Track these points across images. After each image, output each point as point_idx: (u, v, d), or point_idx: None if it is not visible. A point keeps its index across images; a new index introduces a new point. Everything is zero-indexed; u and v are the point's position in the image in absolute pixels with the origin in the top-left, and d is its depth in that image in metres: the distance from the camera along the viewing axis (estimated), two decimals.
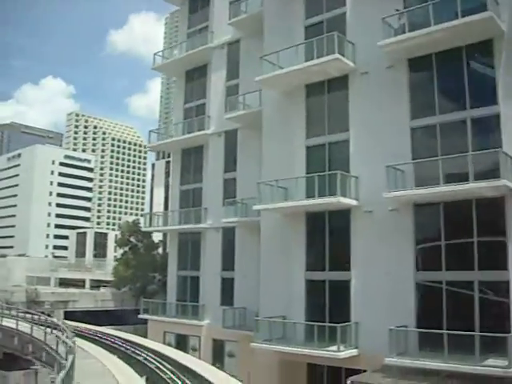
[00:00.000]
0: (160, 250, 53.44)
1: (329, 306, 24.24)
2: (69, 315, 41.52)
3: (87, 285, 60.82)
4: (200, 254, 36.02)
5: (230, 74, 36.08)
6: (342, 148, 24.87)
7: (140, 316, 38.33)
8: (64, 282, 64.36)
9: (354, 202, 23.51)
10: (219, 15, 37.02)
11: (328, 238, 24.80)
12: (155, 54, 40.73)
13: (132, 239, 50.23)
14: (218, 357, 32.84)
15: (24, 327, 26.97)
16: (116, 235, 79.51)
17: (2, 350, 28.96)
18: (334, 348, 21.96)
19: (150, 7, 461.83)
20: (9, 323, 29.09)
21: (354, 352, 22.37)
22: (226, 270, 33.81)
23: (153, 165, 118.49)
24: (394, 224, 22.24)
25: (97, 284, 59.01)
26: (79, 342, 24.19)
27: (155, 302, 38.76)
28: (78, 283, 62.82)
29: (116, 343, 30.50)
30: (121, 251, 53.41)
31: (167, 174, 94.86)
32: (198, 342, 34.41)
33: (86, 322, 39.28)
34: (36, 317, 28.66)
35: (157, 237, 52.50)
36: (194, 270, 36.40)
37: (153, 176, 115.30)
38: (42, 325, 26.42)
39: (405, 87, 22.97)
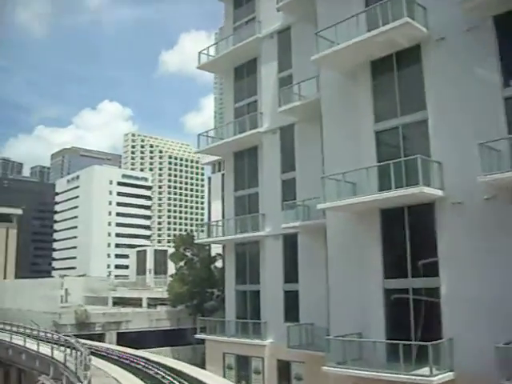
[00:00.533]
0: (219, 263, 50.12)
1: (414, 319, 20.12)
2: (122, 337, 38.81)
3: (144, 303, 58.36)
4: (259, 266, 32.55)
5: (282, 64, 32.62)
6: (419, 130, 20.99)
7: (197, 336, 35.11)
8: (121, 302, 62.18)
9: (439, 193, 19.42)
10: (266, 3, 33.74)
11: (409, 238, 20.64)
12: (200, 53, 37.75)
13: (187, 253, 47.25)
14: (283, 380, 29.20)
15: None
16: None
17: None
18: (425, 371, 17.89)
19: (200, 25, 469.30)
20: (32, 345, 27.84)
21: (449, 375, 18.25)
22: (289, 281, 30.08)
23: (209, 178, 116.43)
24: (493, 216, 18.05)
25: (154, 302, 56.43)
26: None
27: (212, 320, 35.44)
28: (136, 302, 60.50)
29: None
30: (177, 266, 50.59)
31: (224, 187, 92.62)
32: (260, 363, 30.76)
33: (139, 344, 36.53)
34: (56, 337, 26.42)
35: (216, 248, 49.08)
36: (253, 284, 32.97)
37: (209, 190, 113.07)
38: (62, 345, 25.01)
39: (493, 50, 18.85)
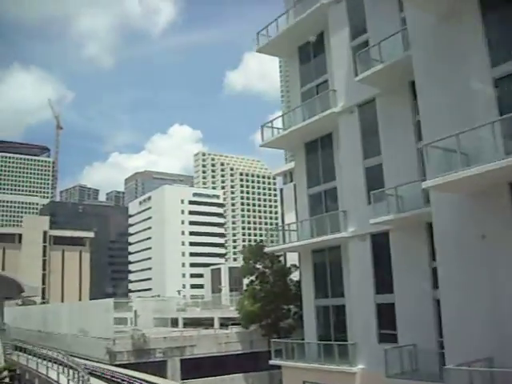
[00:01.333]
0: (295, 276, 44.14)
1: None
2: (186, 364, 33.43)
3: (216, 323, 53.42)
4: (342, 275, 26.76)
5: (355, 30, 27.00)
6: None
7: (272, 362, 29.58)
8: (192, 322, 57.69)
9: None
10: None
11: None
12: (258, 34, 32.69)
13: (258, 266, 41.77)
14: None
15: None
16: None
17: None
18: None
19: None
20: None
21: None
22: (382, 292, 24.03)
23: (281, 190, 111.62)
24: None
25: (227, 322, 51.41)
26: None
27: (289, 341, 29.72)
28: (208, 322, 55.80)
29: None
30: (248, 282, 45.24)
31: (295, 188, 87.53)
32: None
33: (206, 371, 31.56)
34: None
35: (292, 258, 43.12)
36: (336, 297, 27.34)
37: (281, 201, 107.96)
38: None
39: None
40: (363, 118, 25.86)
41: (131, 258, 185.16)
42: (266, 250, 31.96)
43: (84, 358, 34.85)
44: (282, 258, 43.38)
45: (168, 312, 62.93)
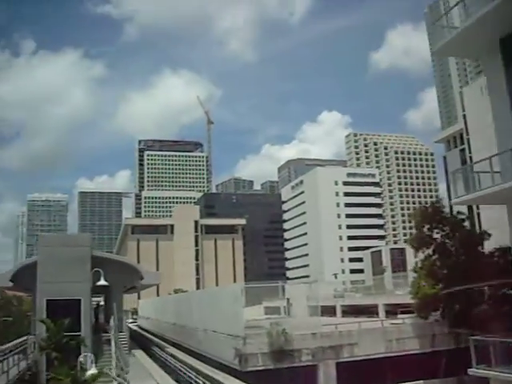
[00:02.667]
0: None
1: None
2: (344, 369, 23.31)
3: (381, 312, 43.53)
4: None
5: None
6: None
7: (473, 371, 19.32)
8: (352, 311, 48.33)
9: None
10: None
11: None
12: (436, 23, 23.40)
13: (435, 234, 31.02)
14: None
15: None
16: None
17: None
18: None
19: (403, 19, 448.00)
20: None
21: None
22: None
23: (444, 158, 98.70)
24: None
25: (393, 309, 41.37)
26: None
27: (491, 339, 19.22)
28: (371, 310, 46.11)
29: None
30: (421, 258, 34.52)
31: (463, 162, 75.42)
32: None
33: (373, 380, 22.10)
34: None
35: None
36: None
37: (446, 170, 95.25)
38: None
39: None
40: None
41: (287, 244, 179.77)
42: (454, 201, 21.49)
43: (215, 361, 26.98)
44: (467, 220, 32.30)
45: (325, 299, 54.10)
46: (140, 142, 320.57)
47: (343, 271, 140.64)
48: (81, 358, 19.64)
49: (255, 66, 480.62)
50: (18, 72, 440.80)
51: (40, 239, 35.27)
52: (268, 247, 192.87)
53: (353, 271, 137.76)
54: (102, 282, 26.77)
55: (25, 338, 28.28)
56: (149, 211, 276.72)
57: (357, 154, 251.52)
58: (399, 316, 36.69)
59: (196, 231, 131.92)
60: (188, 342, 35.18)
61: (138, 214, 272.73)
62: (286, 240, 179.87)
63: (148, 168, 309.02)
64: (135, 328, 63.57)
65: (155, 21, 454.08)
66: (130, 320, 71.88)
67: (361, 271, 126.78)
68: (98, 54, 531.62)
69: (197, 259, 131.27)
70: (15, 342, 27.22)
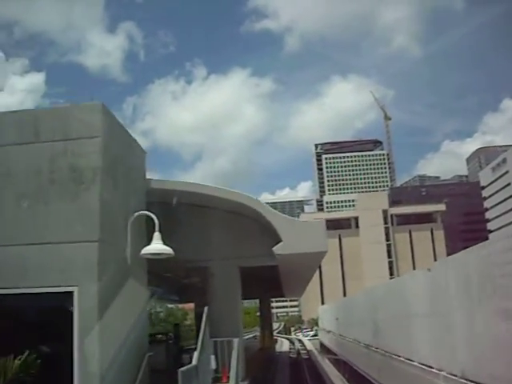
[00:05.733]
0: None
1: None
2: None
3: None
4: None
5: None
6: None
7: None
8: None
9: None
10: None
11: None
12: None
13: None
14: None
15: None
16: None
17: None
18: None
19: None
20: None
21: None
22: None
23: None
24: None
25: None
26: None
27: None
28: None
29: None
30: None
31: None
32: None
33: None
34: None
35: None
36: None
37: None
38: None
39: None
40: None
41: (492, 237, 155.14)
42: None
43: None
44: None
45: None
46: (316, 146, 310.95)
47: None
48: None
49: (424, 60, 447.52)
50: (193, 98, 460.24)
51: None
52: (466, 243, 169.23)
53: None
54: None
55: None
56: None
57: None
58: None
59: (385, 222, 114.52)
60: None
61: None
62: (491, 232, 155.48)
63: (327, 172, 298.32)
64: (310, 347, 51.21)
65: (314, 28, 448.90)
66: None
67: None
68: (264, 70, 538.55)
69: (389, 256, 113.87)
70: None
